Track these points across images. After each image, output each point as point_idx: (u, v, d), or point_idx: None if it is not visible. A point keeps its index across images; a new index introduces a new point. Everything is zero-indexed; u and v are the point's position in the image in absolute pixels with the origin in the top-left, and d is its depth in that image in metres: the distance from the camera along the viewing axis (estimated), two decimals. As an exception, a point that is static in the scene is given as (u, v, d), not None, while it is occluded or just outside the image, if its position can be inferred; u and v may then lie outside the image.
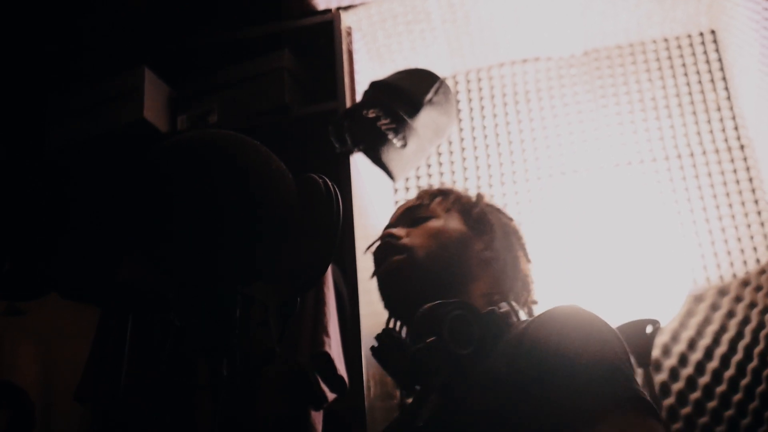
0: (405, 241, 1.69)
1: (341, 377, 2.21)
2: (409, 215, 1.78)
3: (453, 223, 1.73)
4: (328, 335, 2.22)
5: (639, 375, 2.39)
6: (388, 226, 1.81)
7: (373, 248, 1.77)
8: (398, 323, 1.69)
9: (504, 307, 1.52)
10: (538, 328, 1.35)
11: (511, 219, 1.87)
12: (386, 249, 1.71)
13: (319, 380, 2.19)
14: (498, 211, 1.85)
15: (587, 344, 1.28)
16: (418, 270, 1.64)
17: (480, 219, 1.75)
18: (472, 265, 1.66)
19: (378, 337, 1.58)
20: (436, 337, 1.40)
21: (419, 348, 1.41)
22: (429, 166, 3.04)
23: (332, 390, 2.22)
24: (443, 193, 1.82)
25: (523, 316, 1.57)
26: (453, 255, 1.66)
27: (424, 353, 1.41)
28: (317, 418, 2.21)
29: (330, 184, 1.40)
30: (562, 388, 1.23)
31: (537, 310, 1.67)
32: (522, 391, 1.27)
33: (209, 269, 1.28)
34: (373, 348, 1.58)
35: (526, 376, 1.28)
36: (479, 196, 1.85)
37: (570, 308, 1.39)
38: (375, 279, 1.75)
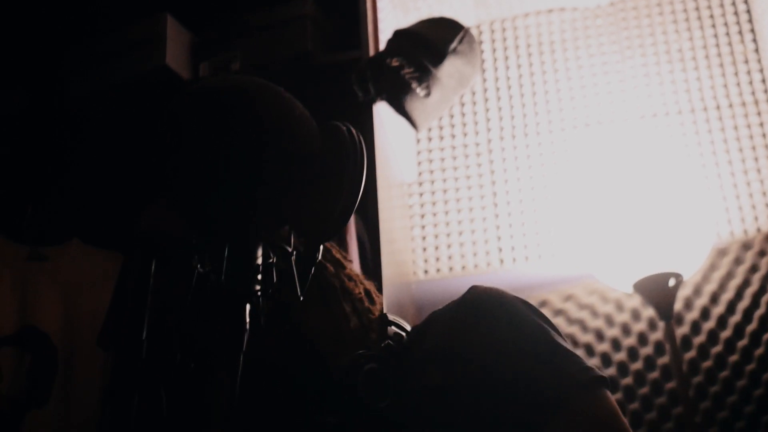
0: None
1: (362, 326, 2.22)
2: None
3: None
4: (349, 284, 2.22)
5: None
6: None
7: None
8: None
9: (393, 328, 1.45)
10: (464, 328, 1.29)
11: None
12: None
13: (340, 329, 2.20)
14: None
15: (526, 335, 1.26)
16: None
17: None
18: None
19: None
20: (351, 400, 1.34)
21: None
22: (452, 116, 3.02)
23: (353, 339, 2.23)
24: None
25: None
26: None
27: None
28: (338, 366, 2.22)
29: (354, 131, 1.39)
30: (513, 387, 1.21)
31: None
32: (472, 397, 1.24)
33: (234, 214, 1.28)
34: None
35: (469, 382, 1.24)
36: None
37: (485, 299, 1.33)
38: None
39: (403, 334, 1.48)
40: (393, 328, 1.48)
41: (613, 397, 1.23)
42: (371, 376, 1.34)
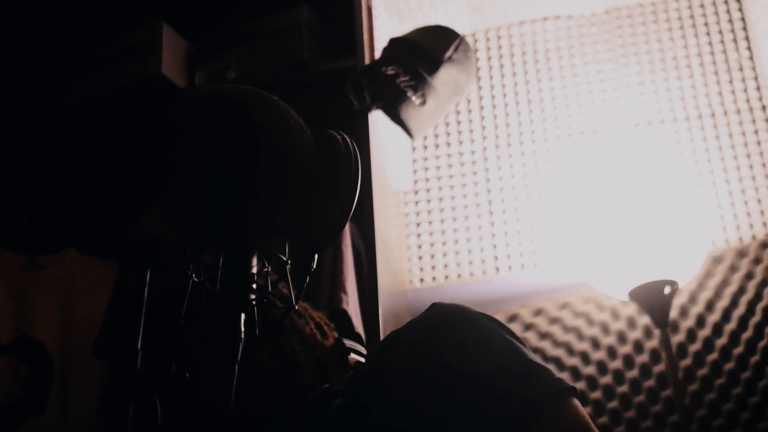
0: None
1: (358, 334, 2.22)
2: None
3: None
4: (345, 292, 2.23)
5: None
6: None
7: None
8: None
9: (353, 356, 1.47)
10: (431, 347, 1.26)
11: None
12: None
13: (336, 337, 2.20)
14: None
15: (493, 350, 1.23)
16: None
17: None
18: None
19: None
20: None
21: None
22: (447, 124, 3.02)
23: (349, 347, 2.23)
24: None
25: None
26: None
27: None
28: (334, 374, 2.22)
29: (349, 140, 1.39)
30: (484, 403, 1.19)
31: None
32: (443, 417, 1.21)
33: (230, 223, 1.28)
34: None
35: (440, 402, 1.22)
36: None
37: (450, 316, 1.30)
38: None
39: (362, 360, 1.48)
40: (352, 355, 1.47)
41: (584, 407, 1.22)
42: (340, 411, 1.33)
